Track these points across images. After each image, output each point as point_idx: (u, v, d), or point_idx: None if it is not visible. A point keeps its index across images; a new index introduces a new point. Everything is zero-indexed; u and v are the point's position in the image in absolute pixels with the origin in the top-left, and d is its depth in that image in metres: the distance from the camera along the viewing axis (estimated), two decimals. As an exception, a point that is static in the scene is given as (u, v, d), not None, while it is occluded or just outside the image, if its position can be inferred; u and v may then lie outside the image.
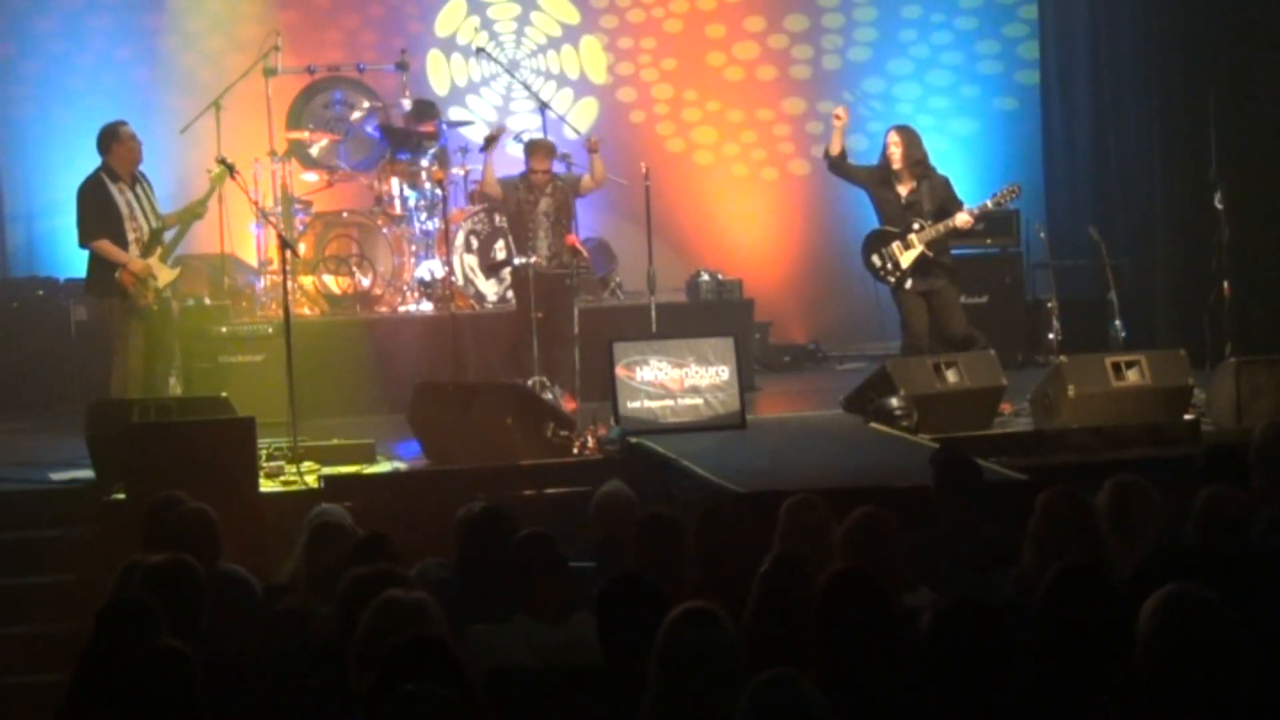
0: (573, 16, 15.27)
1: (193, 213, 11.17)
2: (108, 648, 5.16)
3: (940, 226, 11.09)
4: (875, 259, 11.26)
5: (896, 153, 11.20)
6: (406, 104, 13.72)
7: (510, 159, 13.57)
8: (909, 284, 11.20)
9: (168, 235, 10.92)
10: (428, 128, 13.41)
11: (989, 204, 11.25)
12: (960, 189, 11.53)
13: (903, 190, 11.23)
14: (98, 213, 10.75)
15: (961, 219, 11.05)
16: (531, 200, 11.91)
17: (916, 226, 11.14)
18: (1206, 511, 5.99)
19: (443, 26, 15.17)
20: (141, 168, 10.94)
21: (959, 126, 15.36)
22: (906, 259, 11.15)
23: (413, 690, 4.19)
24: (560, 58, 15.25)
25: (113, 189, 10.78)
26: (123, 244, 10.74)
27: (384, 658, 4.52)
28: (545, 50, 15.25)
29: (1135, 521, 6.27)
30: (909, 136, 11.29)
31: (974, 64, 15.46)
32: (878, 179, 11.33)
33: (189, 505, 6.93)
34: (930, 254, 11.13)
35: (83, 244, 10.84)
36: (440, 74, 15.13)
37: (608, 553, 6.71)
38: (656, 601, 4.79)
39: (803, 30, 15.45)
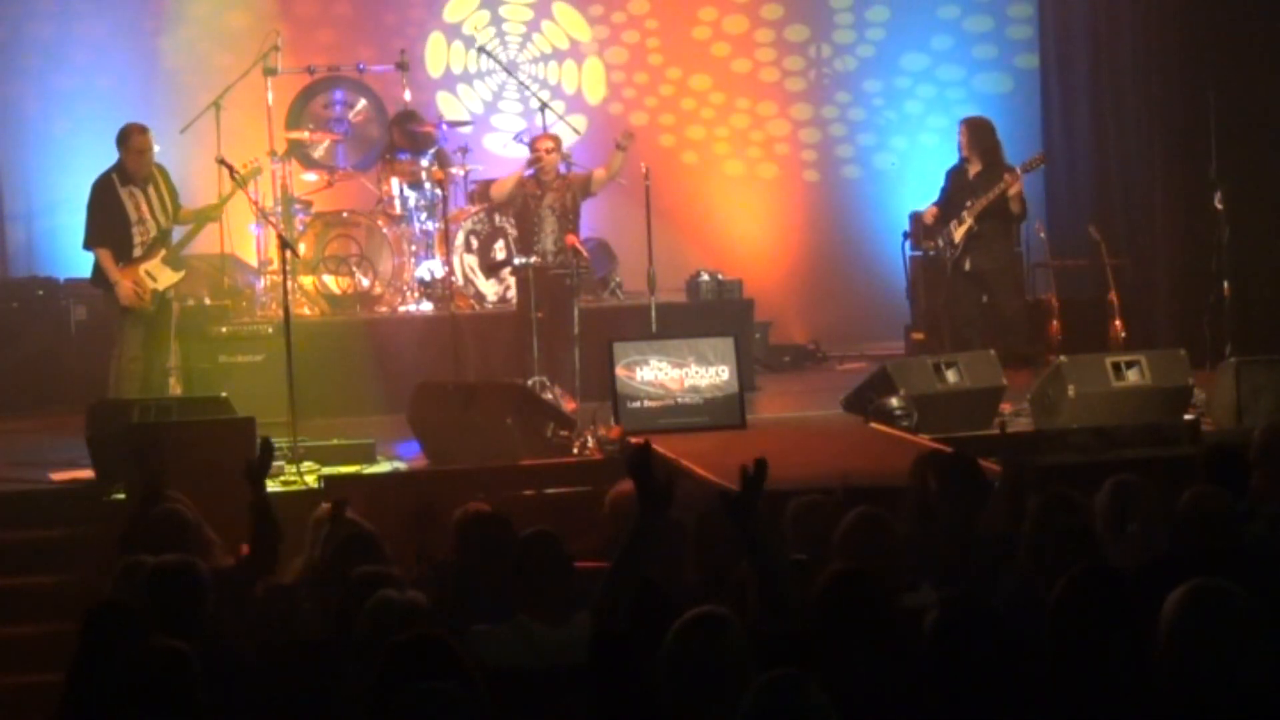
0: (584, 34, 15.26)
1: (206, 216, 11.28)
2: (93, 649, 5.16)
3: (984, 199, 11.64)
4: (939, 240, 11.93)
5: (962, 140, 12.02)
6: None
7: (513, 161, 13.57)
8: (967, 265, 11.79)
9: (176, 235, 10.94)
10: (427, 127, 13.40)
11: (1018, 169, 11.89)
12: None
13: (971, 172, 11.93)
14: (104, 218, 10.81)
15: (1003, 184, 11.65)
16: (538, 195, 11.91)
17: (969, 204, 11.70)
18: (1190, 513, 5.98)
19: (451, 12, 15.16)
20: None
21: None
22: (959, 233, 11.76)
23: (425, 688, 4.17)
24: (561, 71, 15.23)
25: (121, 192, 10.82)
26: (128, 248, 10.82)
27: (388, 656, 4.51)
28: (548, 60, 15.23)
29: (1134, 521, 6.27)
30: (973, 126, 12.12)
31: (973, 64, 15.45)
32: (957, 170, 12.03)
33: (166, 505, 6.92)
34: (977, 228, 11.68)
35: (86, 247, 10.97)
36: (438, 57, 15.12)
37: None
38: (656, 601, 4.79)
39: (804, 39, 15.43)
